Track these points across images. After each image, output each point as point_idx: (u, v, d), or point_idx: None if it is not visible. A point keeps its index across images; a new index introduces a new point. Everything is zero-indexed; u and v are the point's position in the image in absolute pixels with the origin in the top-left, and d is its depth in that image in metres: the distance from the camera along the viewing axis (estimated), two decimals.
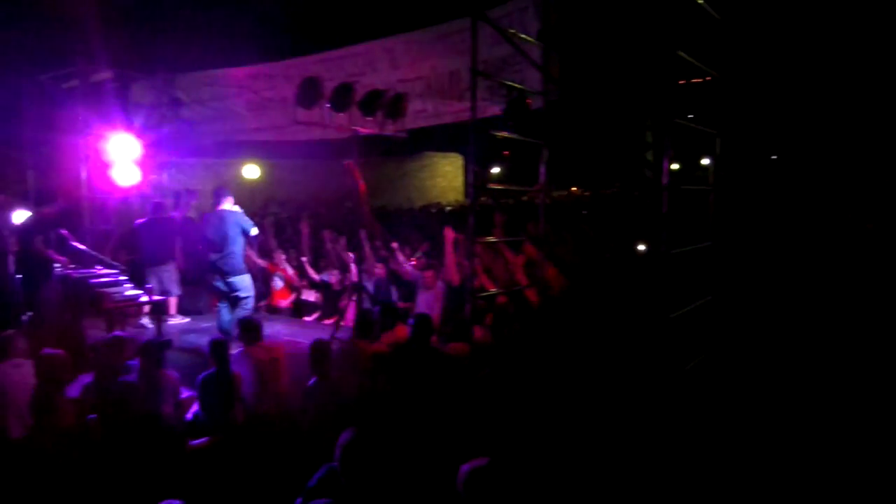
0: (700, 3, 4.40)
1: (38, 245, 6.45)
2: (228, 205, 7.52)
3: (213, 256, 7.33)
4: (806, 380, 5.73)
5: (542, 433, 3.89)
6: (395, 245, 7.99)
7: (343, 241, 9.69)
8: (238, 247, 7.36)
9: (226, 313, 7.48)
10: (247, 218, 7.57)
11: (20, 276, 7.02)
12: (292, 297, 9.83)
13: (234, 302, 7.43)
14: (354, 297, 7.34)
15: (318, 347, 4.90)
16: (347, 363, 5.14)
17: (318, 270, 9.68)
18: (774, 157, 19.55)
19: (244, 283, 7.42)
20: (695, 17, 4.20)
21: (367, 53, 7.87)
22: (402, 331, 5.43)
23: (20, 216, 7.45)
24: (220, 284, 7.38)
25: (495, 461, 2.97)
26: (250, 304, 7.55)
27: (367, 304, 7.37)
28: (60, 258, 7.51)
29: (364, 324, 5.55)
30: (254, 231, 7.56)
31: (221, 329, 7.38)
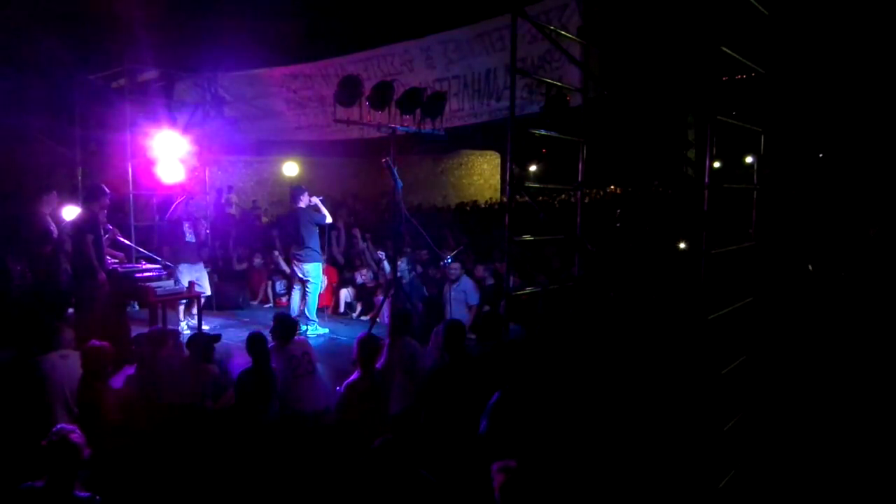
0: None
1: (88, 242, 6.63)
2: (304, 203, 8.39)
3: (294, 249, 8.44)
4: (847, 387, 5.57)
5: (571, 435, 3.85)
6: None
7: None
8: (313, 241, 8.33)
9: (297, 296, 8.60)
10: (320, 211, 8.43)
11: (67, 269, 7.22)
12: (332, 299, 9.99)
13: (304, 287, 8.46)
14: (391, 294, 7.38)
15: (367, 342, 4.86)
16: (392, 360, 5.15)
17: (353, 268, 9.83)
18: (821, 154, 19.03)
19: (315, 272, 8.39)
20: (739, 11, 4.09)
21: (403, 53, 7.86)
22: None
23: (70, 212, 7.68)
24: (297, 272, 8.43)
25: (525, 464, 2.95)
26: (316, 290, 8.47)
27: (401, 301, 7.41)
28: (117, 254, 7.79)
29: (401, 320, 5.56)
30: (328, 219, 8.56)
31: (291, 310, 8.53)
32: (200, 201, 9.31)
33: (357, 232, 10.18)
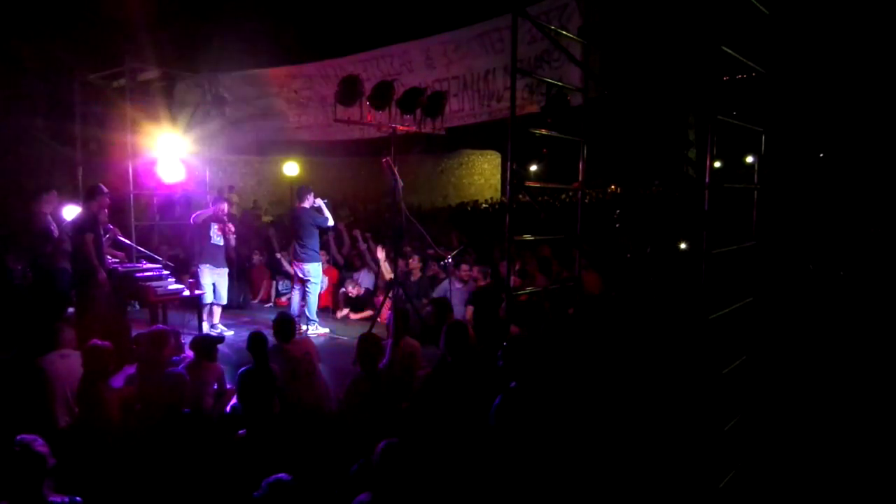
0: None
1: (88, 242, 6.64)
2: (308, 203, 8.45)
3: (295, 247, 8.48)
4: (847, 386, 5.56)
5: (573, 435, 3.85)
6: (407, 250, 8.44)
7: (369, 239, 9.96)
8: (313, 241, 8.38)
9: (297, 296, 8.70)
10: (323, 213, 8.49)
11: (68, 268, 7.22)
12: (332, 299, 10.00)
13: (304, 286, 8.51)
14: (391, 294, 7.40)
15: (368, 342, 4.80)
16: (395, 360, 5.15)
17: (355, 269, 9.83)
18: (821, 154, 19.02)
19: (315, 271, 8.44)
20: (739, 11, 4.09)
21: (403, 54, 7.85)
22: None
23: (70, 212, 7.68)
24: (297, 272, 8.50)
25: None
26: (315, 289, 8.52)
27: (402, 302, 7.42)
28: (118, 253, 7.78)
29: (402, 320, 5.56)
30: (330, 222, 8.62)
31: (292, 310, 8.58)
32: (227, 204, 9.11)
33: (358, 234, 10.18)
